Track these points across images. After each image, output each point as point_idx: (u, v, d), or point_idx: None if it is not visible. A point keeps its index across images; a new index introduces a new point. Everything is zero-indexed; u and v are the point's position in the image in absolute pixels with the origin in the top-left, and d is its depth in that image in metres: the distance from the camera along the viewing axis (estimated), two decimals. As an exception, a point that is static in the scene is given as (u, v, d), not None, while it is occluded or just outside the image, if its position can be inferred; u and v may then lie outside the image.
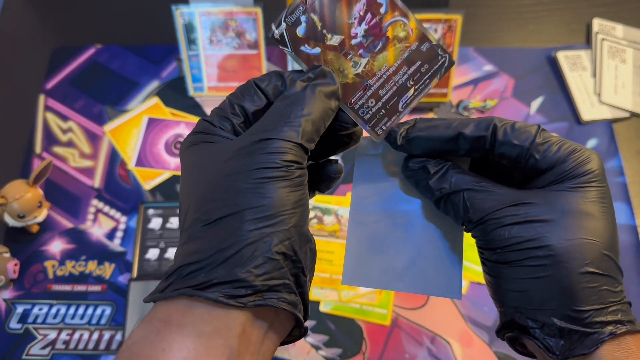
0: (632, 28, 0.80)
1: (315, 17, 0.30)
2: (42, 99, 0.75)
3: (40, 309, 0.61)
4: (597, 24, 0.79)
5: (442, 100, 0.74)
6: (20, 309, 0.61)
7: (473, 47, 0.79)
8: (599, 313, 0.26)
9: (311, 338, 0.60)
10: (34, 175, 0.63)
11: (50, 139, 0.72)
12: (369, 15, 0.30)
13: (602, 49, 0.77)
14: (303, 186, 0.28)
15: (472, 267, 0.63)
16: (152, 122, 0.73)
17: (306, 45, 0.30)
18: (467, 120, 0.30)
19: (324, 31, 0.30)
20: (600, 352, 0.26)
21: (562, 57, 0.77)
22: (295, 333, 0.29)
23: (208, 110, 0.73)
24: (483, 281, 0.62)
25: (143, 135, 0.72)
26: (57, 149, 0.71)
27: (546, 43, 0.80)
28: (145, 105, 0.74)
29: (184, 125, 0.73)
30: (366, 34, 0.31)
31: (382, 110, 0.31)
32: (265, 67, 0.74)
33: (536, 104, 0.75)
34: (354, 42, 0.31)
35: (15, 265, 0.62)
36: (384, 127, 0.32)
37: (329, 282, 0.62)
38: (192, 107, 0.74)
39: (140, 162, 0.70)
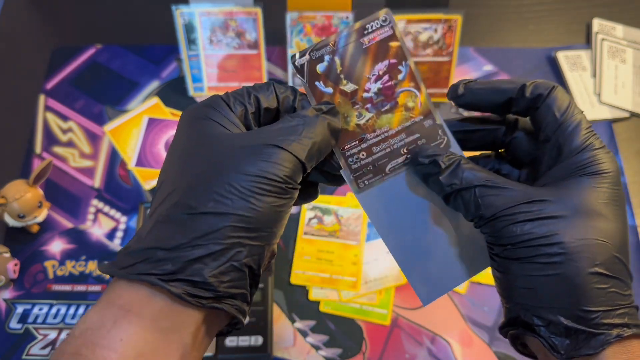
0: (632, 28, 0.80)
1: (338, 61, 0.32)
2: (42, 99, 0.75)
3: (40, 309, 0.61)
4: (597, 24, 0.79)
5: (442, 100, 0.74)
6: (20, 309, 0.61)
7: (473, 47, 0.79)
8: (606, 315, 0.26)
9: (311, 338, 0.60)
10: (34, 175, 0.63)
11: (50, 139, 0.72)
12: (386, 77, 0.32)
13: (602, 49, 0.77)
14: (289, 207, 0.29)
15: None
16: (152, 122, 0.73)
17: (321, 82, 0.32)
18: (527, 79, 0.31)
19: (342, 76, 0.32)
20: (606, 353, 0.26)
21: (562, 57, 0.77)
22: (225, 330, 0.31)
23: (208, 110, 0.73)
24: (483, 281, 0.62)
25: (143, 135, 0.72)
26: (57, 149, 0.71)
27: (546, 43, 0.80)
28: (145, 105, 0.74)
29: (184, 125, 0.73)
30: (379, 92, 0.32)
31: (370, 166, 0.33)
32: (265, 67, 0.74)
33: (536, 104, 0.75)
34: (365, 95, 0.32)
35: (15, 265, 0.62)
36: (366, 182, 0.33)
37: (329, 282, 0.62)
38: (192, 107, 0.74)
39: (140, 162, 0.70)
